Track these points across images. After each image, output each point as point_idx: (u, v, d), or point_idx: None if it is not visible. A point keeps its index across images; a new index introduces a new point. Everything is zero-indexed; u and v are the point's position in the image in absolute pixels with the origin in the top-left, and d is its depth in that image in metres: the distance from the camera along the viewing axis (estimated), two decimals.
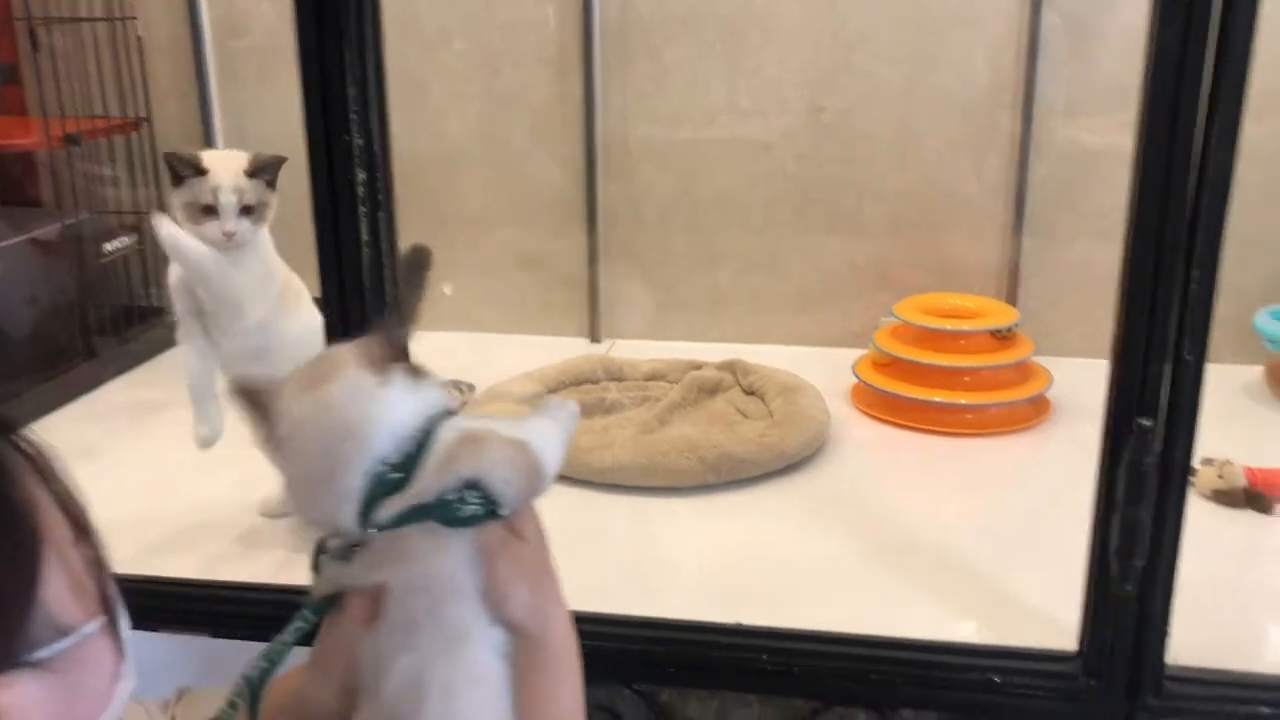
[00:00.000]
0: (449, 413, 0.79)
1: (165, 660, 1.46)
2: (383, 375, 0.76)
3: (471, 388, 2.09)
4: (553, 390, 2.06)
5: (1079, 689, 1.25)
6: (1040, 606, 1.40)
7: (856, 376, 2.06)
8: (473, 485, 0.73)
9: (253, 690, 0.74)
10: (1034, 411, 2.00)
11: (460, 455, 0.75)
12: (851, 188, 2.27)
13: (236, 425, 0.80)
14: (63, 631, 0.58)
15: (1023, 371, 2.04)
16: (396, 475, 0.73)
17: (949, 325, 2.04)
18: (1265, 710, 1.21)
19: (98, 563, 0.62)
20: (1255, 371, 2.14)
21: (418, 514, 0.73)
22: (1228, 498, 1.68)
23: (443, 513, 0.72)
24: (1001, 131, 2.19)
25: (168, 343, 2.41)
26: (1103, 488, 1.19)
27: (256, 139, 2.43)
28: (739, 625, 1.34)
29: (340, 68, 1.18)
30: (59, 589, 0.58)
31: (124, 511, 1.64)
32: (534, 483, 0.76)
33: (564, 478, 1.74)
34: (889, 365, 2.07)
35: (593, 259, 2.37)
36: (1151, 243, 1.10)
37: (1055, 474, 1.83)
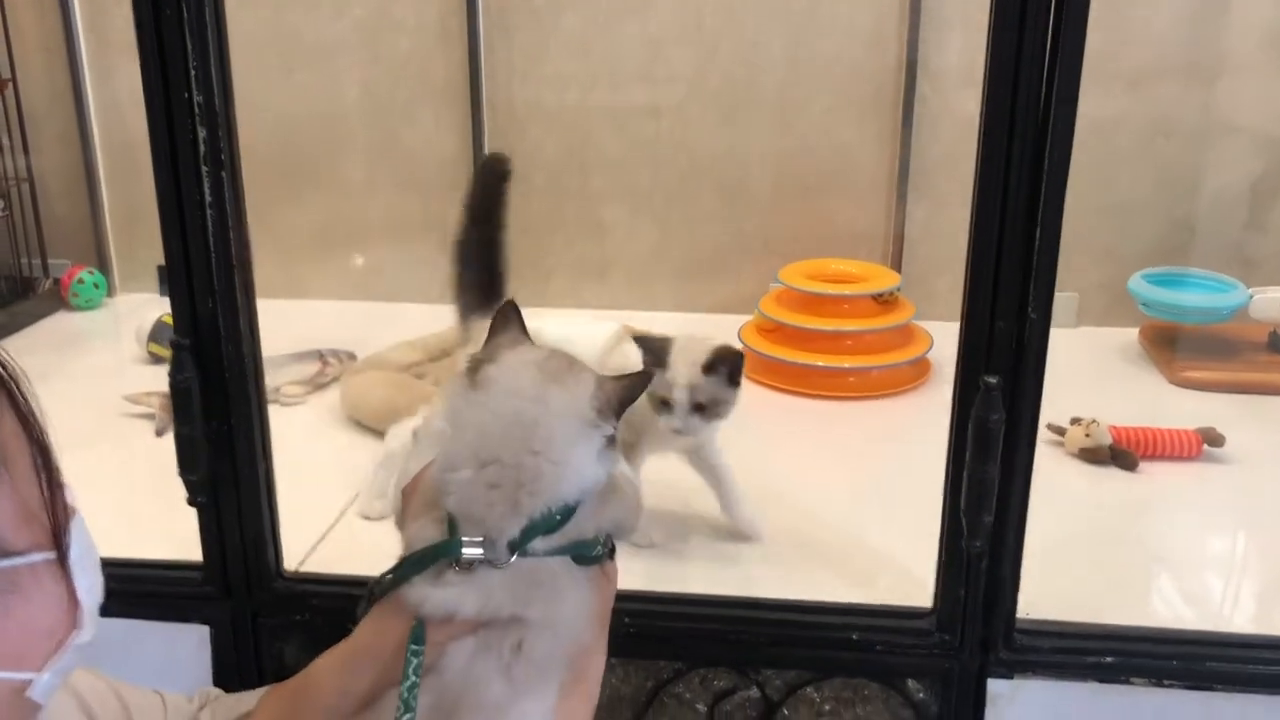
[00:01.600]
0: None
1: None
2: (605, 421, 0.80)
3: (352, 356, 2.06)
4: (434, 359, 2.03)
5: (934, 643, 1.27)
6: (905, 565, 1.41)
7: (742, 343, 2.06)
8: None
9: None
10: (915, 374, 2.02)
11: (609, 505, 0.81)
12: (738, 154, 2.27)
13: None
14: (2, 552, 0.55)
15: (904, 335, 2.06)
16: (559, 520, 0.77)
17: (832, 290, 2.05)
18: (1110, 660, 1.24)
19: (56, 497, 0.58)
20: (1130, 334, 2.19)
21: (562, 550, 0.77)
22: (1094, 455, 1.71)
23: (581, 551, 0.79)
24: (885, 98, 2.20)
25: (39, 314, 2.34)
26: (953, 446, 1.21)
27: (130, 99, 2.35)
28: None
29: (178, 21, 1.14)
30: (5, 509, 0.55)
31: None
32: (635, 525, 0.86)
33: None
34: (774, 331, 2.07)
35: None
36: (995, 202, 1.11)
37: (932, 435, 1.83)
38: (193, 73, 1.16)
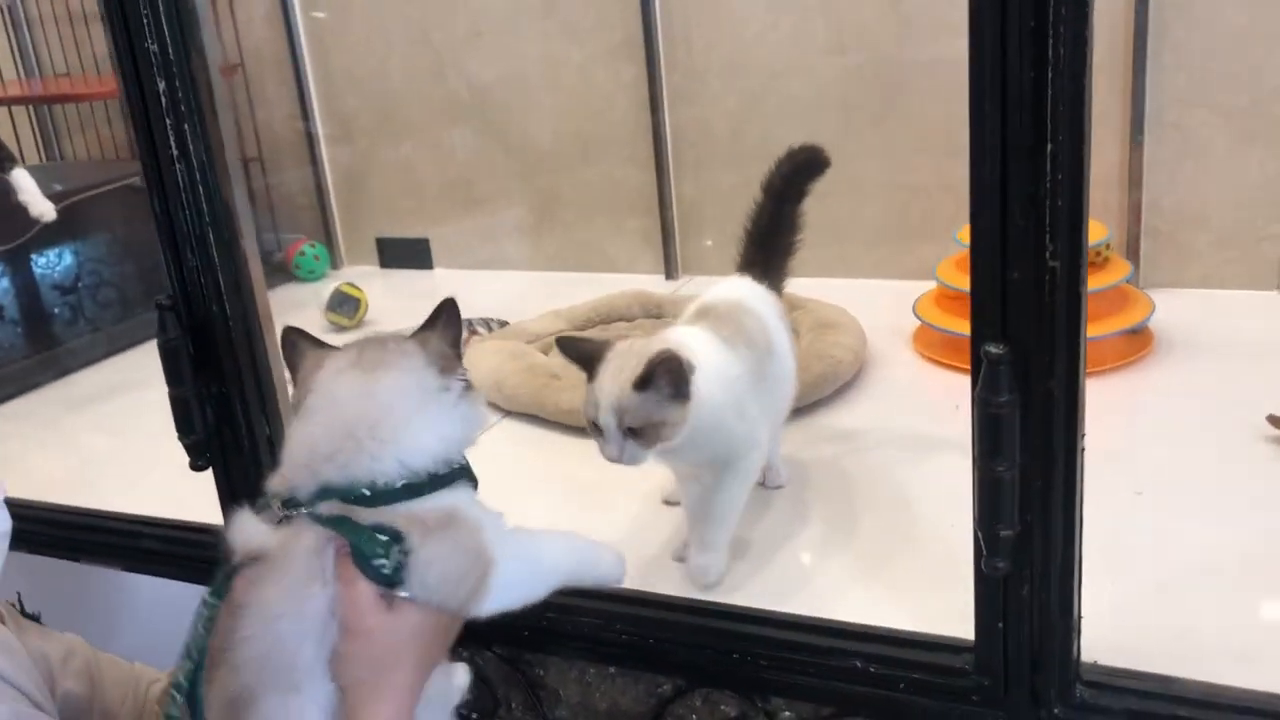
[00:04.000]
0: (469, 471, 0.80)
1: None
2: (450, 375, 0.80)
3: (503, 324, 1.99)
4: (579, 328, 1.92)
5: (969, 687, 0.98)
6: None
7: (917, 316, 1.77)
8: (404, 552, 0.74)
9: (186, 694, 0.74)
10: (1132, 346, 1.64)
11: (438, 538, 0.75)
12: (943, 103, 1.95)
13: None
14: None
15: (1117, 299, 1.67)
16: (367, 495, 0.75)
17: None
18: None
19: None
20: None
21: (345, 525, 0.74)
22: None
23: (359, 541, 0.74)
24: (1115, 19, 1.79)
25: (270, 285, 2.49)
26: (974, 435, 0.92)
27: (345, 78, 2.44)
28: (596, 589, 1.16)
29: None
30: None
31: None
32: (456, 600, 0.77)
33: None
34: (955, 299, 1.76)
35: (662, 188, 2.19)
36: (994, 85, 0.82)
37: (1150, 420, 1.48)
38: (144, 20, 1.11)
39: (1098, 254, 1.66)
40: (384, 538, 0.75)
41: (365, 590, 0.74)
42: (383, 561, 0.74)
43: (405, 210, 2.46)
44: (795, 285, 1.93)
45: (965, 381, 1.44)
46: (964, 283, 1.68)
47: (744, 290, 1.33)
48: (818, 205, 2.06)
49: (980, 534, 0.91)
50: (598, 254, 2.33)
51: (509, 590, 0.80)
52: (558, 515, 1.38)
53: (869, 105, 2.01)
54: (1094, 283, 1.65)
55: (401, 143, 2.40)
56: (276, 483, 0.79)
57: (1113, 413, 1.50)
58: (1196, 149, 1.80)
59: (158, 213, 1.19)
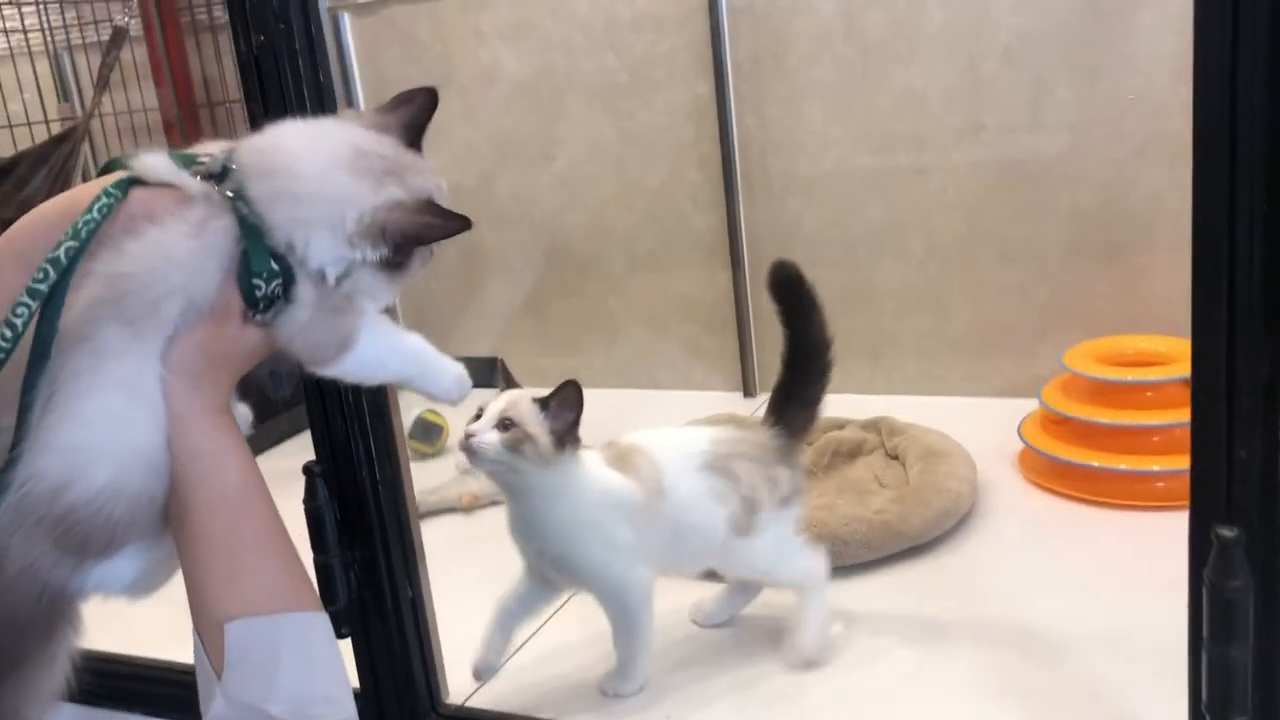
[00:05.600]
0: None
1: None
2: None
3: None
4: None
5: None
6: None
7: (1022, 440, 1.75)
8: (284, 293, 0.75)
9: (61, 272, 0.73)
10: None
11: (321, 291, 0.76)
12: (1023, 212, 1.96)
13: None
14: None
15: None
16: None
17: (1129, 376, 1.69)
18: None
19: None
20: None
21: (252, 233, 0.74)
22: None
23: (254, 257, 0.74)
24: None
25: None
26: (1191, 613, 0.90)
27: None
28: None
29: None
30: None
31: None
32: (300, 356, 0.79)
33: None
34: (1060, 425, 1.74)
35: (739, 305, 2.19)
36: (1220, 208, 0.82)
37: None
38: None
39: None
40: (276, 268, 0.75)
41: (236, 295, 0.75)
42: (259, 283, 0.75)
43: (476, 329, 2.45)
44: (881, 404, 1.93)
45: (1075, 507, 1.56)
46: (1070, 408, 1.68)
47: (652, 438, 1.33)
48: (897, 322, 2.07)
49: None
50: (672, 370, 2.31)
51: (351, 370, 0.82)
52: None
53: (954, 229, 2.02)
54: None
55: (471, 261, 2.40)
56: (222, 152, 0.78)
57: None
58: None
59: (308, 383, 1.18)
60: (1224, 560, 0.84)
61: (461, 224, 0.78)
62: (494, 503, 1.88)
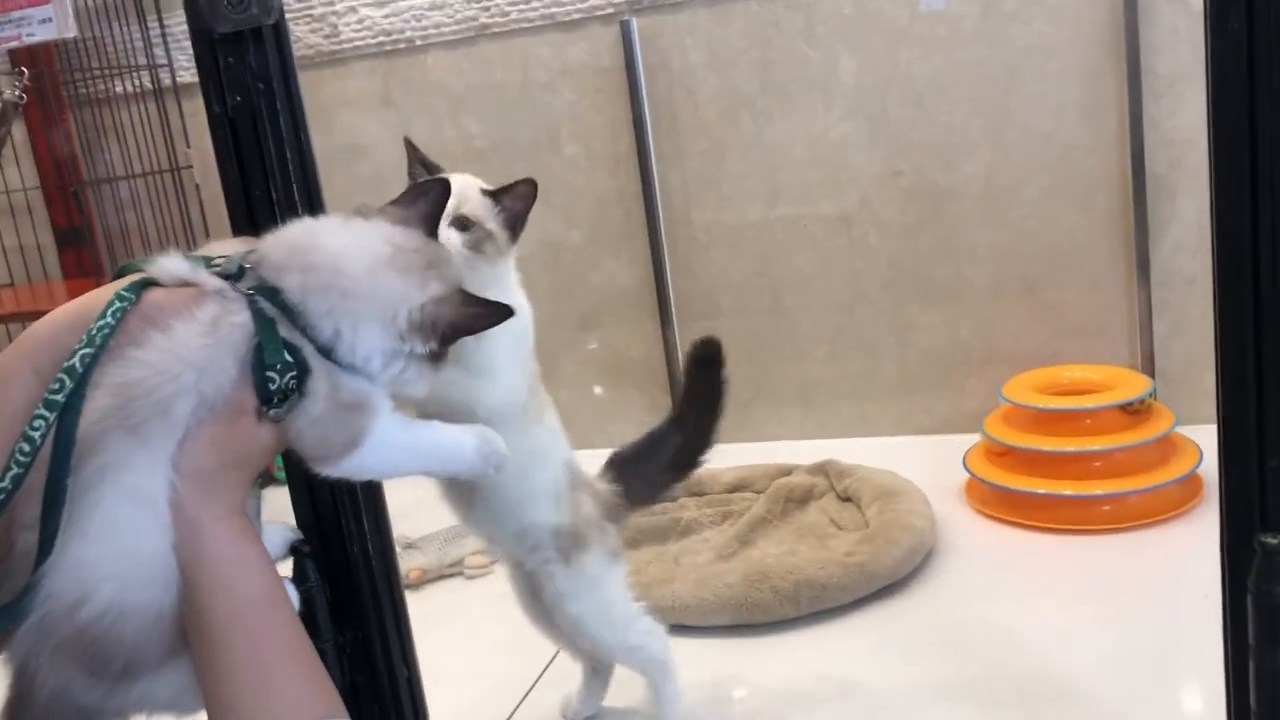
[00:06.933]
0: None
1: None
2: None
3: None
4: None
5: None
6: None
7: (968, 471, 1.79)
8: (297, 386, 0.73)
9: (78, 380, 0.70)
10: (1184, 495, 1.69)
11: (334, 394, 0.74)
12: (943, 253, 2.02)
13: None
14: None
15: (1165, 450, 1.73)
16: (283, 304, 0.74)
17: (1069, 404, 1.75)
18: None
19: None
20: None
21: (266, 325, 0.73)
22: None
23: (268, 349, 0.72)
24: (1112, 172, 1.91)
25: None
26: (1227, 622, 0.92)
27: None
28: None
29: None
30: None
31: None
32: (308, 453, 0.76)
33: None
34: (1004, 455, 1.79)
35: (670, 358, 2.19)
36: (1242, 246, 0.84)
37: (1214, 573, 1.51)
38: None
39: (1145, 404, 1.73)
40: (290, 360, 0.73)
41: (250, 392, 0.74)
42: (273, 376, 0.73)
43: None
44: (817, 449, 1.95)
45: (1025, 534, 1.63)
46: (1013, 438, 1.73)
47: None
48: (827, 366, 2.10)
49: None
50: (600, 429, 2.28)
51: (356, 469, 0.80)
52: None
53: (879, 273, 2.07)
54: (1144, 433, 1.71)
55: None
56: (236, 254, 0.76)
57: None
58: None
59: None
60: (1269, 567, 0.86)
61: (505, 313, 0.80)
62: (442, 577, 1.81)
